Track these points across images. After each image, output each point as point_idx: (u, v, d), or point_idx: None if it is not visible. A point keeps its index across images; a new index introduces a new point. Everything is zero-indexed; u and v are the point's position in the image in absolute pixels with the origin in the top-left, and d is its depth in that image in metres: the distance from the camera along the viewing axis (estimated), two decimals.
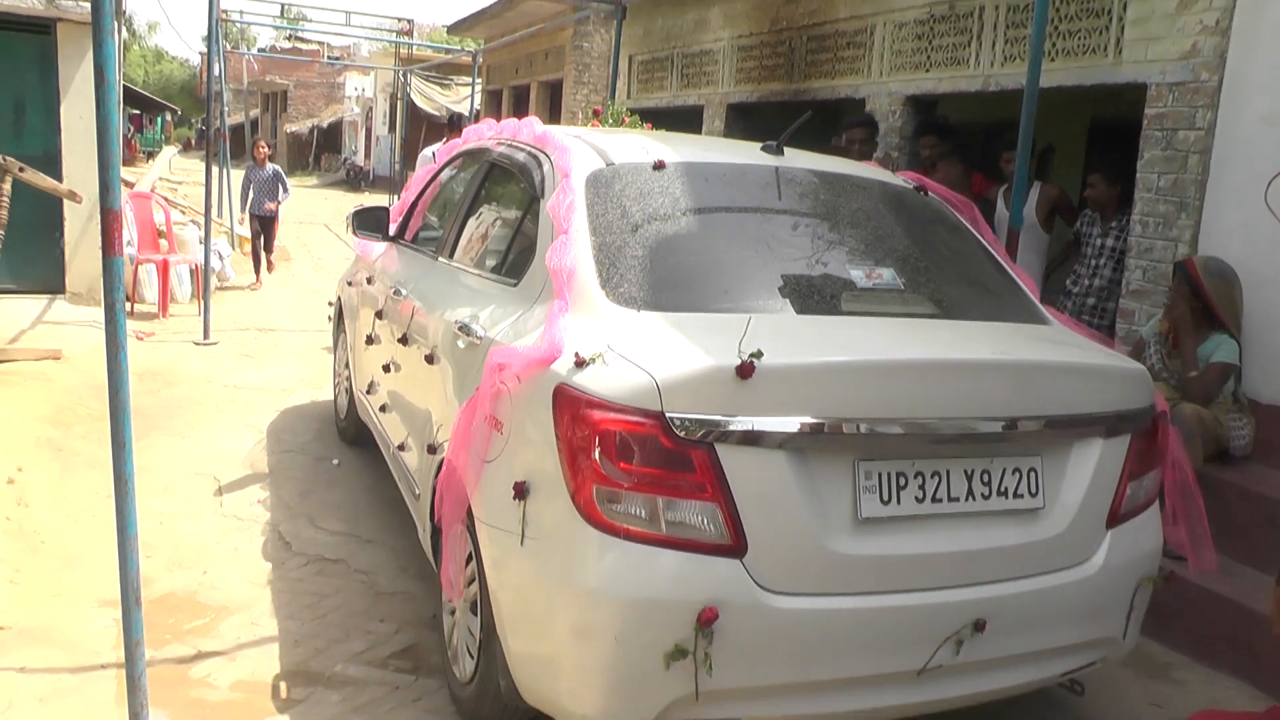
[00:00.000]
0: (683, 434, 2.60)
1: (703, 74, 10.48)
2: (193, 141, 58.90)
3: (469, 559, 3.28)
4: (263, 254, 12.86)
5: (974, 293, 3.70)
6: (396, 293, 4.77)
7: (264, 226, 12.81)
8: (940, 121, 7.17)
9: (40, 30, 8.98)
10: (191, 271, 10.93)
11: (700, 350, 2.73)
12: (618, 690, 2.69)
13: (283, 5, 23.76)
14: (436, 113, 27.33)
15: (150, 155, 37.67)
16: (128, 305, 9.18)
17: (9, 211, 6.95)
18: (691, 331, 2.89)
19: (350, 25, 25.56)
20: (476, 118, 18.08)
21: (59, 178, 8.30)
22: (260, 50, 50.33)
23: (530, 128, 4.25)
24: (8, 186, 7.03)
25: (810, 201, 3.80)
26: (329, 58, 40.61)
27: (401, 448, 4.41)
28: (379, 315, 5.06)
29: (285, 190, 12.79)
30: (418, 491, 4.00)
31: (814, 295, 3.28)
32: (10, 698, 3.34)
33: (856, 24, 8.04)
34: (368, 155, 39.54)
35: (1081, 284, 5.98)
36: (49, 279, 9.26)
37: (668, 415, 2.59)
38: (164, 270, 10.27)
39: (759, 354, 2.61)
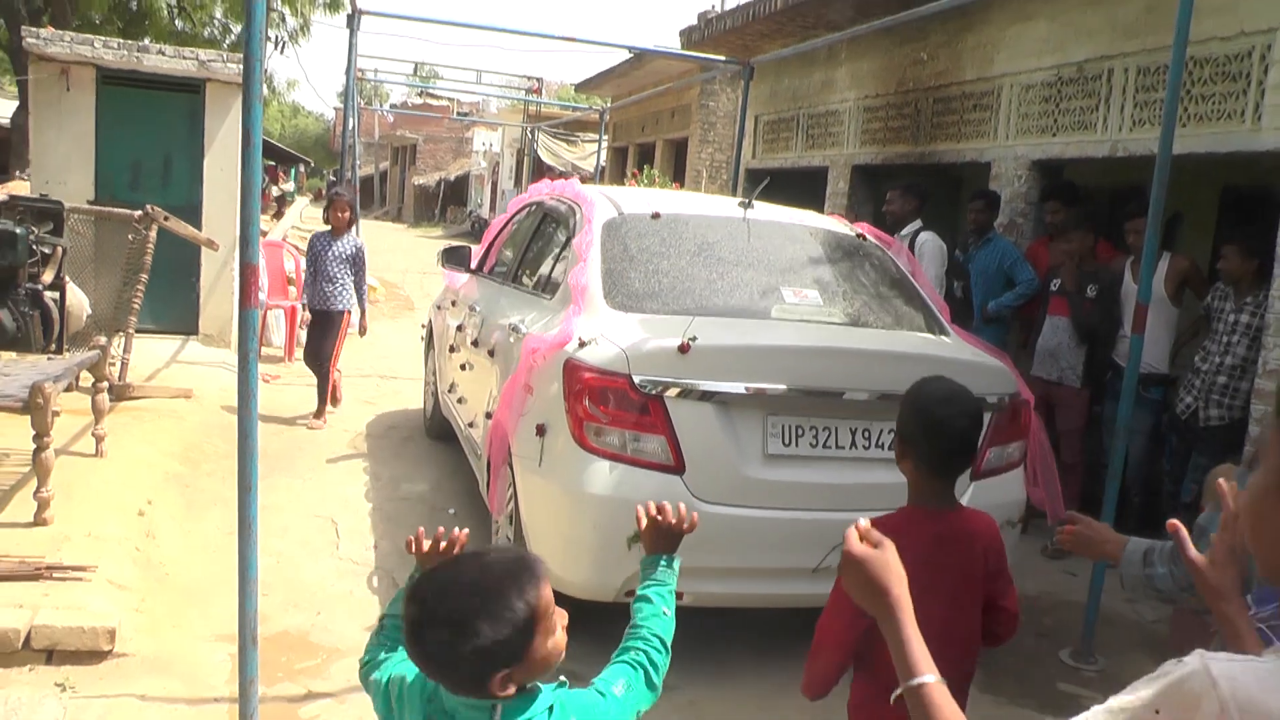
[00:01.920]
0: (643, 389, 3.87)
1: (828, 134, 10.43)
2: (323, 192, 60.94)
3: (510, 494, 4.47)
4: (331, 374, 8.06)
5: (885, 310, 4.85)
6: (472, 309, 6.11)
7: (322, 328, 7.95)
8: (1066, 186, 7.00)
9: (191, 89, 9.50)
10: None
11: (657, 336, 4.00)
12: (596, 563, 3.91)
13: (416, 64, 24.64)
14: (562, 169, 27.86)
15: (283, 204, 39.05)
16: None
17: (152, 257, 7.30)
18: (657, 325, 4.16)
19: (481, 83, 26.37)
20: (602, 175, 18.41)
21: (199, 226, 8.67)
22: (392, 106, 52.02)
23: (571, 186, 5.66)
24: (154, 234, 7.40)
25: (766, 242, 4.98)
26: (458, 113, 41.62)
27: (471, 425, 5.63)
28: (459, 329, 6.35)
29: (361, 280, 8.11)
30: (479, 453, 5.17)
31: (752, 306, 4.57)
32: None
33: (983, 86, 7.95)
34: (492, 208, 40.39)
35: (1211, 361, 5.63)
36: (184, 321, 9.68)
37: (633, 377, 3.87)
38: (291, 316, 10.60)
39: (694, 338, 3.85)
